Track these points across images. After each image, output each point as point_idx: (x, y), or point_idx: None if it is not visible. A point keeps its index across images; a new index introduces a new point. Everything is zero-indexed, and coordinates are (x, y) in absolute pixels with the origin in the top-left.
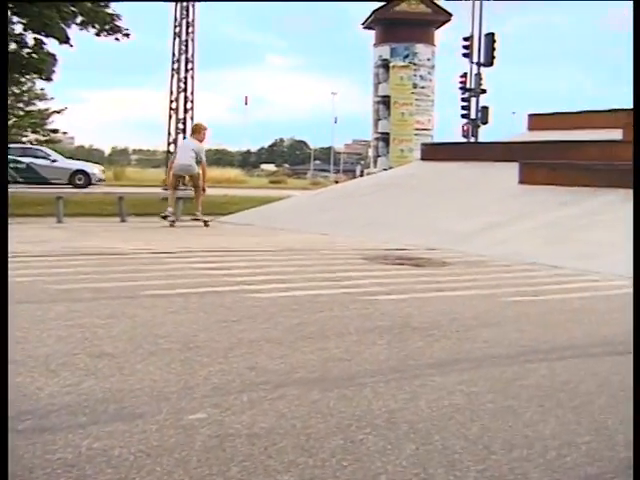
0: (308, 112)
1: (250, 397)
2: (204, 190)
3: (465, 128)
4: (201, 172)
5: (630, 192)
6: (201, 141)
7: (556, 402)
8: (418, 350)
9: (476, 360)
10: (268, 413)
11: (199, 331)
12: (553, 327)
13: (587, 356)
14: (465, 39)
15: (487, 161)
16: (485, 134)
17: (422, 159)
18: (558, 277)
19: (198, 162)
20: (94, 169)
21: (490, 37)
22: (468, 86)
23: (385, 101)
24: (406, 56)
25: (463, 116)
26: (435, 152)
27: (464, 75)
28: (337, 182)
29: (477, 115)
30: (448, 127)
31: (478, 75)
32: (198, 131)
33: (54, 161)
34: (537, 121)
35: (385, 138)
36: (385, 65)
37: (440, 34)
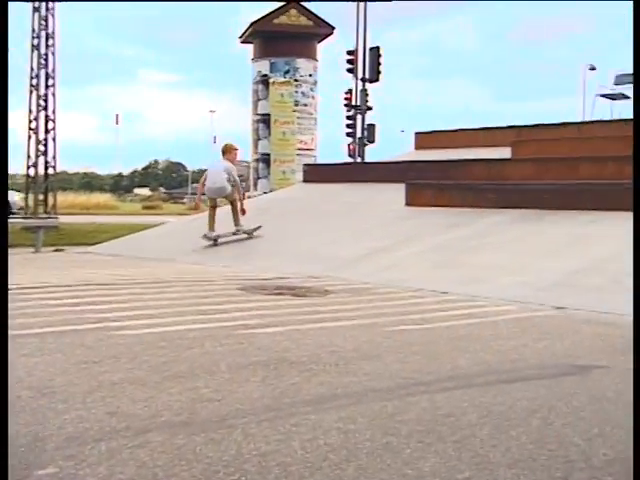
0: (185, 131)
1: (109, 446)
2: (243, 212)
3: (351, 147)
4: (236, 194)
5: (519, 212)
6: (232, 161)
7: (437, 436)
8: (294, 386)
9: (355, 395)
10: (128, 463)
11: (55, 375)
12: (437, 357)
13: (471, 386)
14: (349, 53)
15: (373, 182)
16: (372, 153)
17: (304, 181)
18: (445, 303)
19: (232, 184)
20: (14, 196)
21: (375, 51)
22: (353, 103)
23: (265, 120)
24: (287, 72)
25: (348, 135)
26: (318, 173)
27: (349, 91)
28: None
29: (363, 134)
30: (334, 147)
31: (364, 91)
32: (228, 151)
33: None
34: (424, 139)
35: (266, 159)
36: (264, 81)
37: (323, 48)
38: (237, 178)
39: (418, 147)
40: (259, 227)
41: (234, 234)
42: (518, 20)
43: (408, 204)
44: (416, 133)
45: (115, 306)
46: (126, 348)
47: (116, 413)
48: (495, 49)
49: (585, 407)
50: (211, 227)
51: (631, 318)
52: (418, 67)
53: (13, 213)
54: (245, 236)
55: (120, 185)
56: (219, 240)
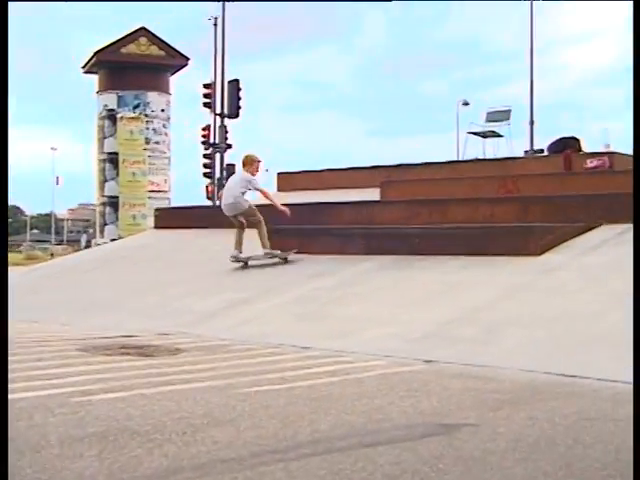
0: (22, 171)
1: None
2: (285, 214)
3: (209, 189)
4: (258, 213)
5: (389, 258)
6: (253, 175)
7: None
8: (134, 459)
9: (203, 467)
10: None
11: None
12: (296, 420)
13: (331, 451)
14: (205, 86)
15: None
16: None
17: (156, 227)
18: (307, 360)
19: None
20: None
21: (234, 84)
22: (212, 140)
23: (112, 159)
24: (136, 106)
25: (206, 175)
26: (172, 218)
27: (206, 128)
28: (52, 255)
29: (222, 174)
30: (191, 188)
31: (222, 128)
32: (249, 163)
33: None
34: (288, 180)
35: (113, 203)
36: (112, 116)
37: (178, 81)
38: (260, 187)
39: (281, 189)
40: (295, 250)
41: (267, 256)
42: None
43: None
44: (279, 174)
45: None
46: None
47: None
48: (366, 82)
49: (450, 470)
50: (237, 246)
51: (505, 370)
52: (284, 101)
53: None
54: (277, 260)
55: None
56: (250, 262)
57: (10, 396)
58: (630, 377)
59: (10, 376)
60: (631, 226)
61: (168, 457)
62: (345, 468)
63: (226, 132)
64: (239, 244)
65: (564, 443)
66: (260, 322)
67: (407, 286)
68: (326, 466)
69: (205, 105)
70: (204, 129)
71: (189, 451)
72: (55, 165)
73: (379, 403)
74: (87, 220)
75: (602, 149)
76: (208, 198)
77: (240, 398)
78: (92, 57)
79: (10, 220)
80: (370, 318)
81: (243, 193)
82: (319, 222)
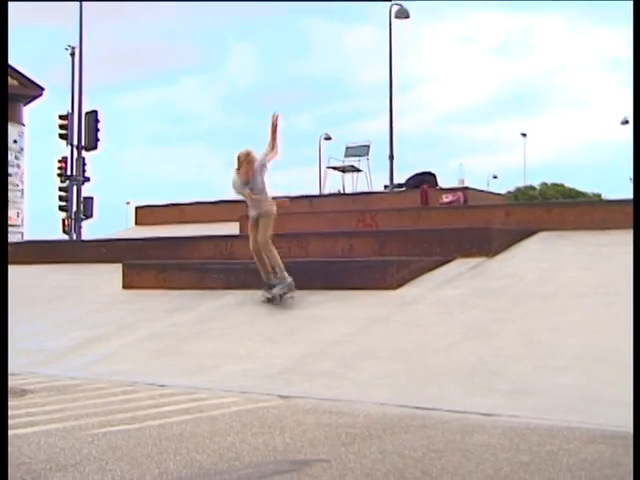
0: None
1: None
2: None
3: (66, 223)
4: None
5: (248, 293)
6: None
7: None
8: None
9: None
10: None
11: None
12: (144, 461)
13: None
14: (61, 117)
15: (90, 262)
16: (93, 229)
17: (9, 262)
18: (161, 398)
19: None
20: None
21: (92, 116)
22: (68, 173)
23: None
24: None
25: (61, 208)
26: (25, 253)
27: (63, 160)
28: None
29: (79, 207)
30: (46, 222)
31: (79, 160)
32: (239, 165)
33: None
34: (146, 214)
35: None
36: None
37: (34, 112)
38: (246, 190)
39: (139, 223)
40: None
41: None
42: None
43: (126, 287)
44: (137, 207)
45: None
46: None
47: None
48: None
49: None
50: (266, 275)
51: (359, 404)
52: (149, 134)
53: None
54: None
55: None
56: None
57: None
58: (480, 407)
59: None
60: (482, 260)
61: None
62: None
63: (84, 165)
64: (265, 269)
65: (412, 476)
66: (114, 360)
67: (265, 321)
68: None
69: (61, 137)
70: (60, 161)
71: None
72: None
73: (231, 441)
74: None
75: (457, 184)
76: (64, 232)
77: (87, 440)
78: None
79: None
80: (227, 354)
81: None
82: (179, 256)
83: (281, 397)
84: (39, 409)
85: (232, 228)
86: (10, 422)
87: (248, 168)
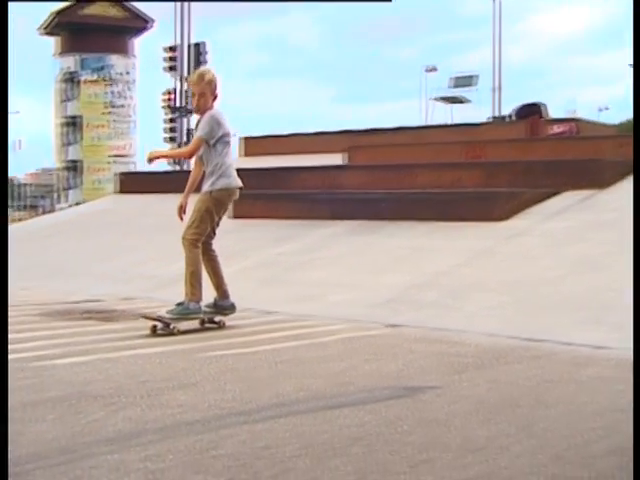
0: None
1: None
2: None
3: None
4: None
5: (355, 223)
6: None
7: (252, 472)
8: (96, 423)
9: (166, 429)
10: None
11: None
12: (260, 383)
13: (295, 414)
14: (171, 49)
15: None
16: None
17: (120, 191)
18: (271, 324)
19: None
20: None
21: (199, 47)
22: (177, 104)
23: (75, 122)
24: (99, 69)
25: (171, 139)
26: (135, 183)
27: (170, 92)
28: (20, 220)
29: (189, 139)
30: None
31: (186, 92)
32: (196, 83)
33: None
34: (252, 145)
35: (76, 167)
36: (73, 79)
37: (144, 44)
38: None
39: (245, 154)
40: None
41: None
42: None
43: (236, 216)
44: (244, 138)
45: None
46: None
47: None
48: (335, 48)
49: (413, 431)
50: (216, 287)
51: (469, 334)
52: (253, 66)
53: None
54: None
55: None
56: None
57: None
58: (590, 340)
59: None
60: (593, 192)
61: (131, 420)
62: (308, 430)
63: (188, 96)
64: (215, 280)
65: (527, 404)
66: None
67: (371, 251)
68: (290, 428)
69: (170, 68)
70: (166, 93)
71: (153, 414)
72: (18, 128)
73: (343, 366)
74: (50, 185)
75: (568, 114)
76: (175, 163)
77: (204, 361)
78: (52, 18)
79: None
80: (334, 283)
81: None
82: (284, 187)
83: (389, 326)
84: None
85: (337, 160)
86: (130, 343)
87: (200, 94)
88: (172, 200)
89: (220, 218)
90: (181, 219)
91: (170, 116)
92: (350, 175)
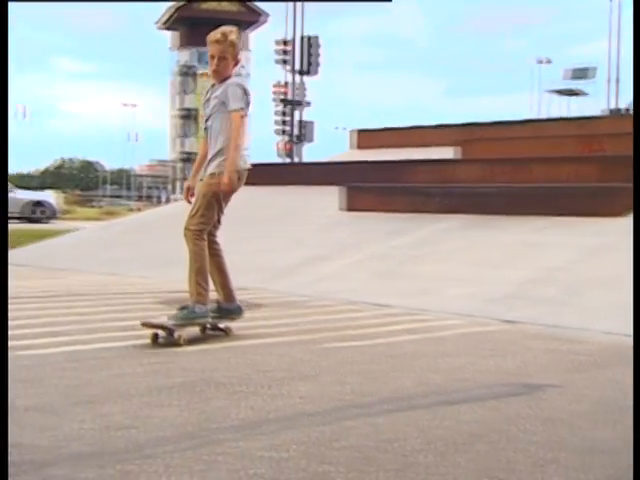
0: (102, 127)
1: None
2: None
3: (284, 146)
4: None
5: (468, 217)
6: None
7: (377, 464)
8: (221, 411)
9: (289, 419)
10: None
11: None
12: (378, 376)
13: (414, 408)
14: (283, 43)
15: (309, 184)
16: (309, 153)
17: None
18: (386, 317)
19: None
20: (55, 199)
21: (311, 41)
22: (288, 98)
23: (191, 115)
24: None
25: (283, 132)
26: (250, 175)
27: (281, 85)
28: (139, 210)
29: (300, 131)
30: (266, 145)
31: (301, 84)
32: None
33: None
34: (364, 138)
35: (190, 158)
36: (190, 73)
37: (257, 38)
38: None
39: (358, 146)
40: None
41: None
42: (471, 10)
43: (347, 209)
44: (356, 131)
45: (20, 322)
46: (31, 370)
47: (19, 445)
48: (446, 41)
49: (537, 431)
50: (221, 287)
51: (587, 332)
52: (364, 60)
53: (54, 217)
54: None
55: (28, 186)
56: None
57: (96, 345)
58: None
59: (94, 326)
60: None
61: (254, 409)
62: (430, 425)
63: (302, 89)
64: (219, 280)
65: None
66: (337, 279)
67: (485, 246)
68: (411, 422)
69: (283, 62)
70: (277, 86)
71: (275, 404)
72: (134, 121)
73: (460, 362)
74: (165, 177)
75: None
76: (287, 155)
77: (322, 353)
78: (171, 13)
79: (89, 175)
80: (448, 277)
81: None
82: (397, 180)
83: (505, 321)
84: (274, 322)
85: (448, 153)
86: (249, 332)
87: (220, 56)
88: (284, 192)
89: (226, 205)
90: (189, 202)
91: (279, 109)
92: (464, 169)
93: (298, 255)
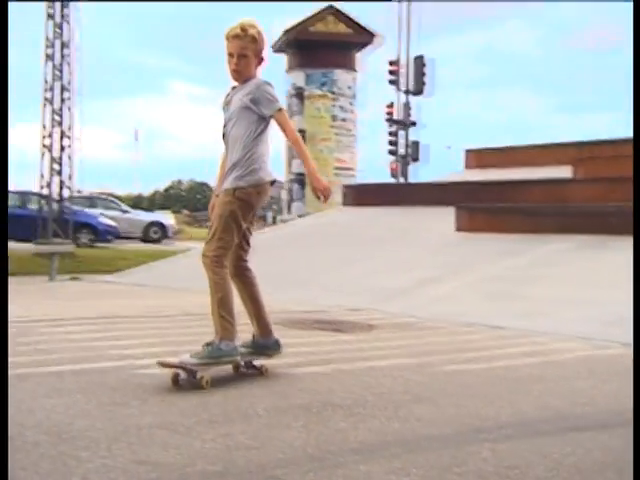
0: (211, 149)
1: None
2: (323, 194)
3: (394, 167)
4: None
5: (583, 238)
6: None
7: None
8: (340, 433)
9: (408, 443)
10: None
11: (76, 418)
12: (496, 400)
13: (537, 434)
14: (391, 63)
15: (419, 205)
16: (418, 173)
17: (344, 204)
18: (501, 340)
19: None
20: (170, 220)
21: (420, 61)
22: (395, 117)
23: (300, 136)
24: (323, 84)
25: (390, 153)
26: (359, 195)
27: (391, 105)
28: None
29: (407, 151)
30: (375, 166)
31: (406, 105)
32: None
33: (125, 212)
34: (475, 157)
35: (301, 179)
36: (299, 94)
37: (364, 58)
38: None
39: (469, 166)
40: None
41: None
42: (581, 24)
43: (459, 229)
44: (467, 151)
45: (140, 341)
46: (154, 389)
47: (145, 462)
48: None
49: None
50: (256, 320)
51: None
52: (470, 77)
53: (168, 237)
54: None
55: (140, 207)
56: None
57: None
58: None
59: None
60: None
61: (372, 431)
62: (552, 451)
63: (410, 109)
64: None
65: None
66: (450, 301)
67: (603, 267)
68: (533, 448)
69: (391, 82)
70: (388, 106)
71: (392, 426)
72: None
73: (581, 386)
74: (271, 197)
75: None
76: (392, 176)
77: (438, 376)
78: (282, 36)
79: (198, 196)
80: (564, 299)
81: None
82: (509, 200)
83: (625, 345)
84: (387, 344)
85: (560, 172)
86: (363, 354)
87: (240, 54)
88: (396, 212)
89: (251, 223)
90: None
91: (390, 129)
92: (578, 188)
93: (409, 276)
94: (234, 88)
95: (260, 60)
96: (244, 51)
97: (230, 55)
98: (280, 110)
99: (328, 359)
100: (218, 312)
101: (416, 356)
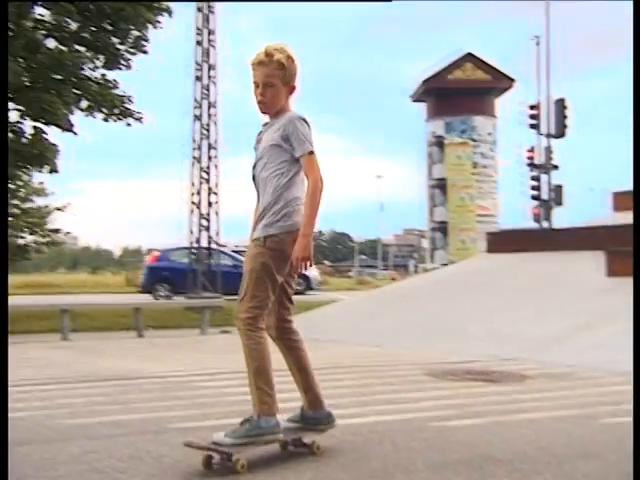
0: (349, 199)
1: None
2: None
3: (536, 211)
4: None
5: None
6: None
7: None
8: None
9: None
10: None
11: None
12: None
13: None
14: (531, 107)
15: (565, 250)
16: (560, 217)
17: (488, 251)
18: None
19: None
20: (313, 271)
21: (560, 104)
22: (537, 162)
23: (441, 184)
24: (463, 131)
25: (533, 197)
26: (503, 242)
27: (531, 149)
28: (394, 280)
29: (549, 195)
30: (515, 211)
31: (548, 148)
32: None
33: None
34: (623, 200)
35: (443, 228)
36: (439, 143)
37: (501, 103)
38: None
39: (617, 208)
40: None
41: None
42: None
43: (610, 274)
44: (614, 193)
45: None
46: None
47: None
48: None
49: None
50: (304, 391)
51: None
52: (613, 119)
53: (312, 288)
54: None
55: None
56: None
57: (368, 418)
58: None
59: (364, 399)
60: None
61: None
62: None
63: (551, 152)
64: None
65: None
66: (605, 349)
67: None
68: None
69: (532, 127)
70: (529, 150)
71: None
72: (380, 192)
73: None
74: (411, 245)
75: None
76: (535, 221)
77: (601, 429)
78: (420, 86)
79: (339, 246)
80: None
81: (275, 177)
82: None
83: None
84: (542, 395)
85: None
86: (519, 406)
87: (265, 82)
88: (540, 258)
89: (291, 276)
90: None
91: (532, 174)
92: None
93: (560, 324)
94: (265, 125)
95: (291, 89)
96: (270, 79)
97: (255, 85)
98: (307, 155)
99: (483, 411)
100: (255, 383)
101: (574, 407)
